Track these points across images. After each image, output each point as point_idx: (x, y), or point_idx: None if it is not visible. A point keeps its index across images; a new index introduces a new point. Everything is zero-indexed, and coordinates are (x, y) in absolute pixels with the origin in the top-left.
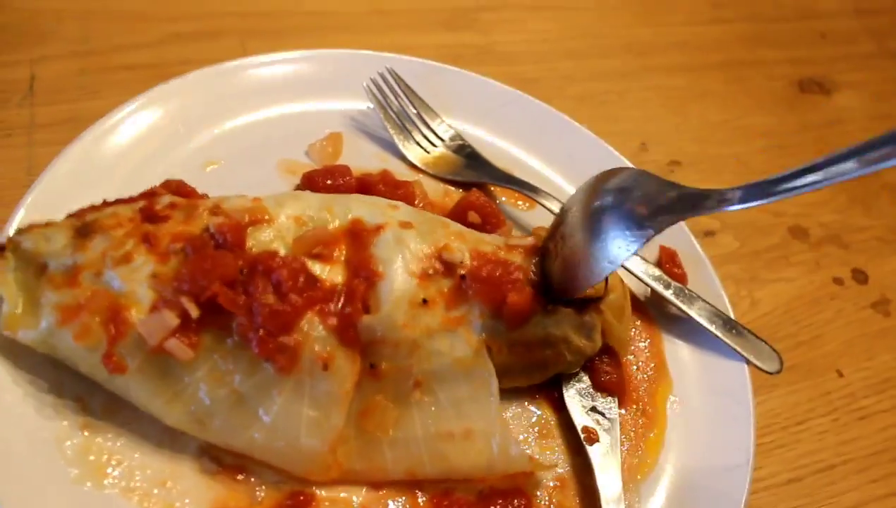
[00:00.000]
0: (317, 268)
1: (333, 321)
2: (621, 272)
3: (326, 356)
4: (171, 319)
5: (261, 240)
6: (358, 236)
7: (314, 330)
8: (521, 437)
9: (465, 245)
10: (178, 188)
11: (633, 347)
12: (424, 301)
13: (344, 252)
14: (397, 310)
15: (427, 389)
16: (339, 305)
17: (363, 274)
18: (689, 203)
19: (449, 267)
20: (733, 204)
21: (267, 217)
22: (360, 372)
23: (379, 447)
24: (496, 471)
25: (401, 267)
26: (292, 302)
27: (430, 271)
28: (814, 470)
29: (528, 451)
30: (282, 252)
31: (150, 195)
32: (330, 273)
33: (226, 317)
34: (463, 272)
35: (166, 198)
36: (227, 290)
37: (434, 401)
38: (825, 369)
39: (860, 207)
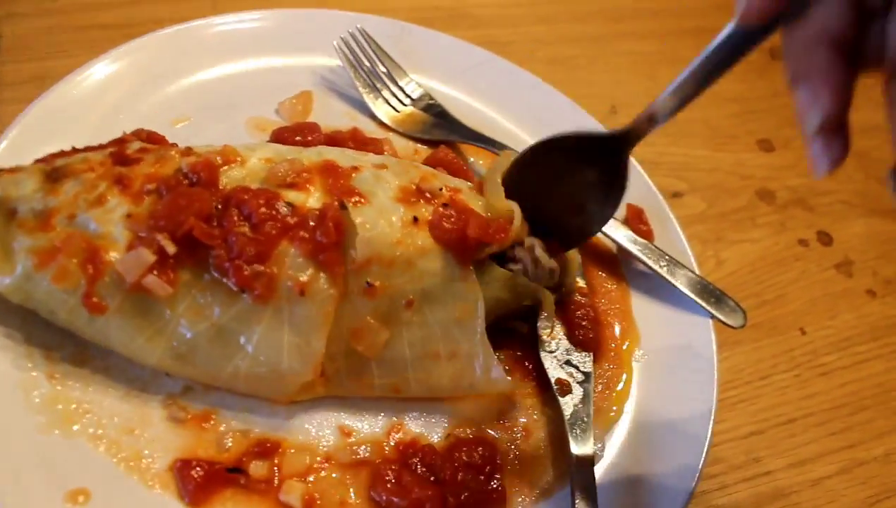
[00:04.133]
0: (291, 196)
1: (309, 246)
2: None
3: (303, 281)
4: (148, 256)
5: (234, 178)
6: (333, 171)
7: (290, 256)
8: None
9: (439, 181)
10: (148, 136)
11: (601, 301)
12: (415, 219)
13: (319, 184)
14: (390, 228)
15: (417, 309)
16: (316, 230)
17: (345, 197)
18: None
19: (431, 197)
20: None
21: (239, 159)
22: (351, 293)
23: (367, 365)
24: (477, 391)
25: (384, 195)
26: (266, 230)
27: (413, 200)
28: (775, 423)
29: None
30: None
31: (120, 142)
32: (305, 200)
33: (202, 253)
34: (444, 201)
35: (136, 144)
36: (203, 224)
37: (423, 322)
38: (788, 327)
39: None
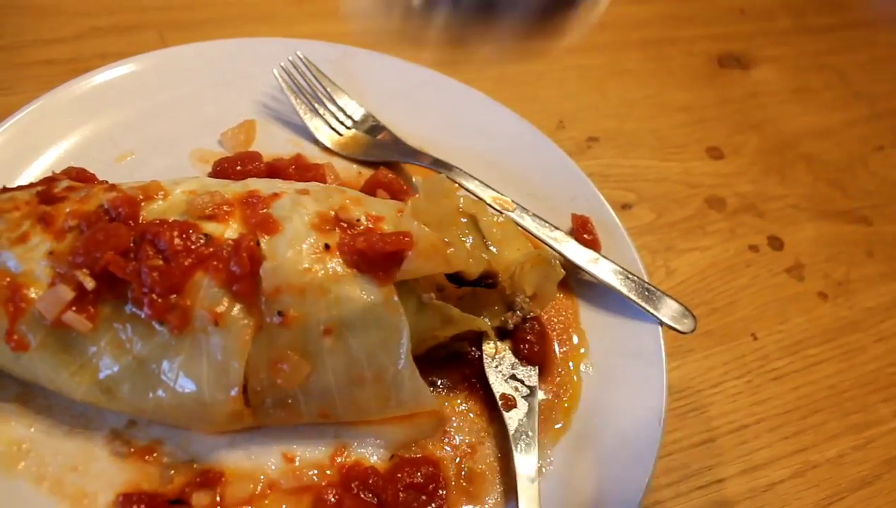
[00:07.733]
0: (210, 228)
1: (224, 276)
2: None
3: (218, 312)
4: (67, 293)
5: (155, 212)
6: (254, 201)
7: (204, 287)
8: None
9: (361, 208)
10: (77, 174)
11: (549, 312)
12: (327, 246)
13: (239, 215)
14: (298, 255)
15: (338, 335)
16: (230, 260)
17: (259, 229)
18: None
19: (347, 226)
20: None
21: (161, 193)
22: (264, 323)
23: (293, 394)
24: (405, 410)
25: (299, 222)
26: (179, 262)
27: (328, 228)
28: (727, 431)
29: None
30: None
31: (49, 181)
32: (223, 232)
33: (122, 287)
34: (360, 230)
35: (65, 183)
36: (119, 258)
37: (345, 348)
38: (740, 333)
39: (776, 177)
